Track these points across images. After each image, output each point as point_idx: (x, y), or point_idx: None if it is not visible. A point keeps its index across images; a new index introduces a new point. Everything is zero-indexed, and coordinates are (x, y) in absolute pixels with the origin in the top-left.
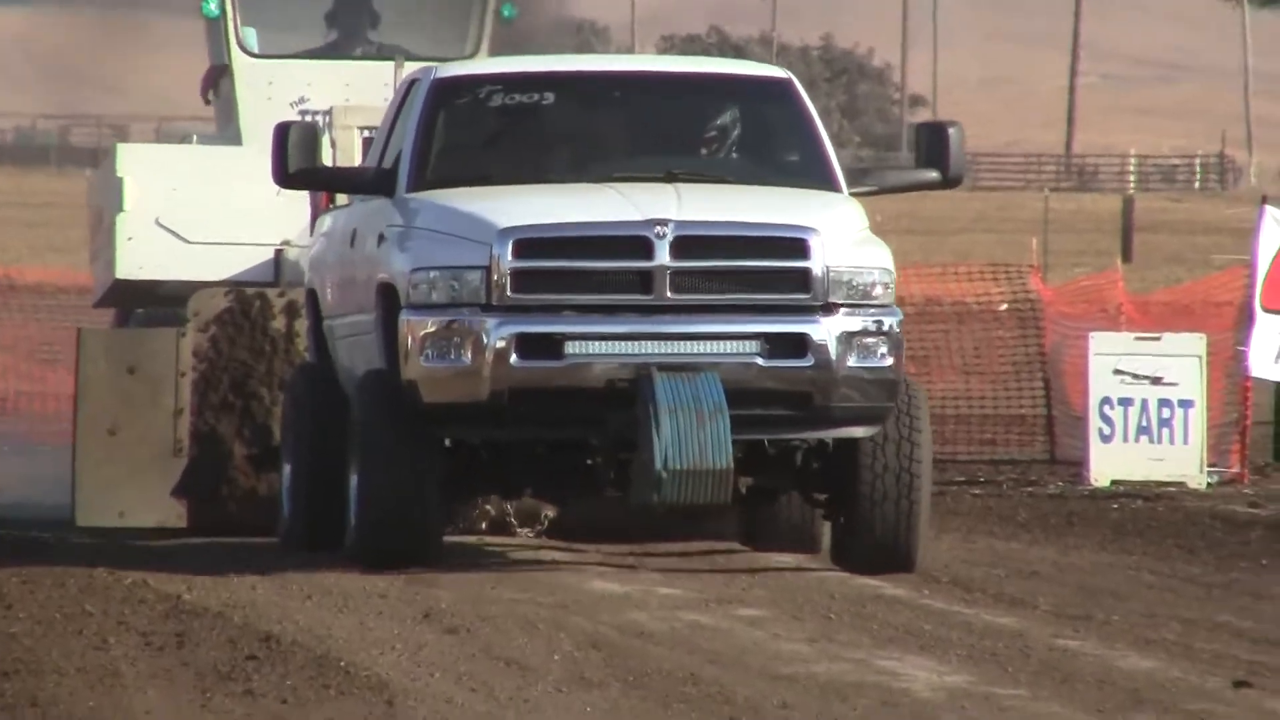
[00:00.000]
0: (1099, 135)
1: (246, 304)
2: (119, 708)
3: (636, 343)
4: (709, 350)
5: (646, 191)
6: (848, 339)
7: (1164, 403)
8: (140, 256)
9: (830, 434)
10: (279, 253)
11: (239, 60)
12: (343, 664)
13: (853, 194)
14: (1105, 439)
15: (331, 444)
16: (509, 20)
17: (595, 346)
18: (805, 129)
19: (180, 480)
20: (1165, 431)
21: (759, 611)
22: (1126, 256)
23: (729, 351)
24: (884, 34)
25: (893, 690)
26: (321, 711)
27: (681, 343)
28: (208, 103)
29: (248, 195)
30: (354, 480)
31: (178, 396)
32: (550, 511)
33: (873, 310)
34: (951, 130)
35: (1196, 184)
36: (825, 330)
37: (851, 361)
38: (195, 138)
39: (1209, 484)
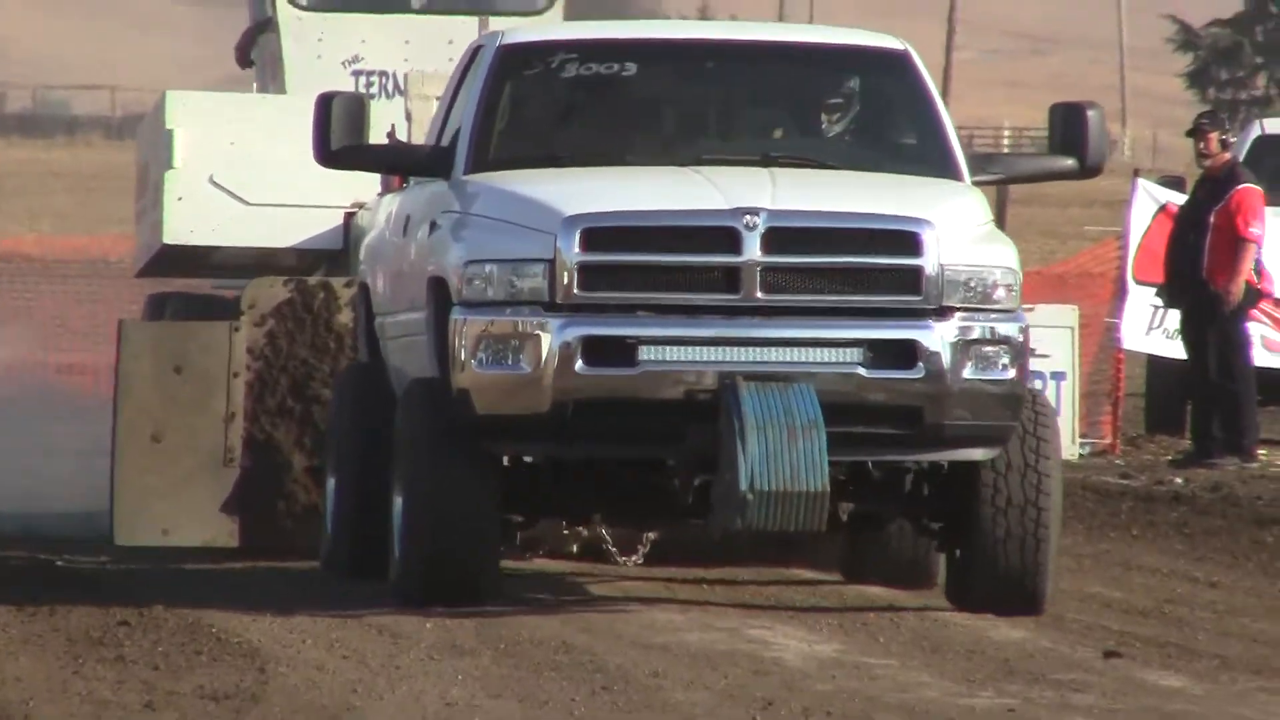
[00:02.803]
0: (975, 108)
1: (309, 295)
2: None
3: (720, 348)
4: (803, 358)
5: (736, 177)
6: (964, 347)
7: (1036, 374)
8: (191, 219)
9: (943, 456)
10: (349, 216)
11: (285, 13)
12: (214, 630)
13: (976, 183)
14: None
15: (382, 457)
16: None
17: (673, 352)
18: (923, 107)
19: (231, 494)
20: None
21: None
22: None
23: (826, 360)
24: (760, 6)
25: (764, 659)
26: (193, 678)
27: (772, 349)
28: (246, 66)
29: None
30: (397, 504)
31: (230, 399)
32: (652, 534)
33: (994, 315)
34: (1091, 112)
35: None
36: (938, 337)
37: (968, 373)
38: (256, 87)
39: (1080, 455)
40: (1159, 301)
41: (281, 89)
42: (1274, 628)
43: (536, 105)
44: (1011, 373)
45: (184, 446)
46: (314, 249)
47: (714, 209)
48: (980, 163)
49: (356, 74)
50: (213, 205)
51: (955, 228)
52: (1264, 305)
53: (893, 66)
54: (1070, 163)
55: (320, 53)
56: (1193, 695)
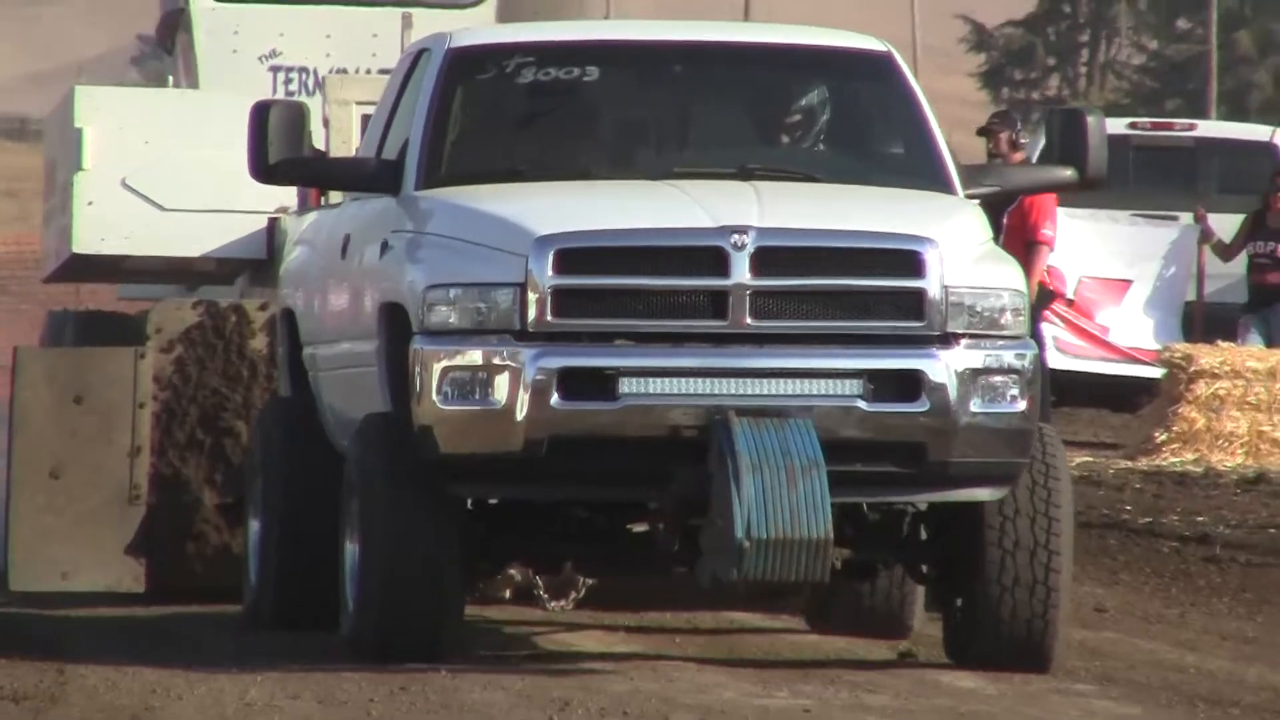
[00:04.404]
0: None
1: (220, 319)
2: None
3: (708, 380)
4: (799, 390)
5: (719, 192)
6: (971, 378)
7: None
8: (103, 226)
9: (949, 496)
10: (273, 222)
11: (197, 4)
12: (14, 631)
13: (969, 196)
14: None
15: (310, 499)
16: None
17: (657, 384)
18: (910, 115)
19: (136, 534)
20: None
21: None
22: None
23: (823, 392)
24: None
25: (561, 659)
26: None
27: (764, 380)
28: (168, 51)
29: (236, 153)
30: (350, 551)
31: (135, 432)
32: (588, 580)
33: (1001, 342)
34: (1090, 119)
35: None
36: (943, 367)
37: (975, 406)
38: (171, 80)
39: None
40: None
41: (195, 84)
42: (1068, 630)
43: (491, 114)
44: (1021, 405)
45: (85, 483)
46: (235, 257)
47: (699, 228)
48: (973, 174)
49: (274, 69)
50: (125, 211)
51: (958, 247)
52: (1056, 306)
53: (877, 70)
54: (1070, 173)
55: (236, 46)
56: (985, 695)
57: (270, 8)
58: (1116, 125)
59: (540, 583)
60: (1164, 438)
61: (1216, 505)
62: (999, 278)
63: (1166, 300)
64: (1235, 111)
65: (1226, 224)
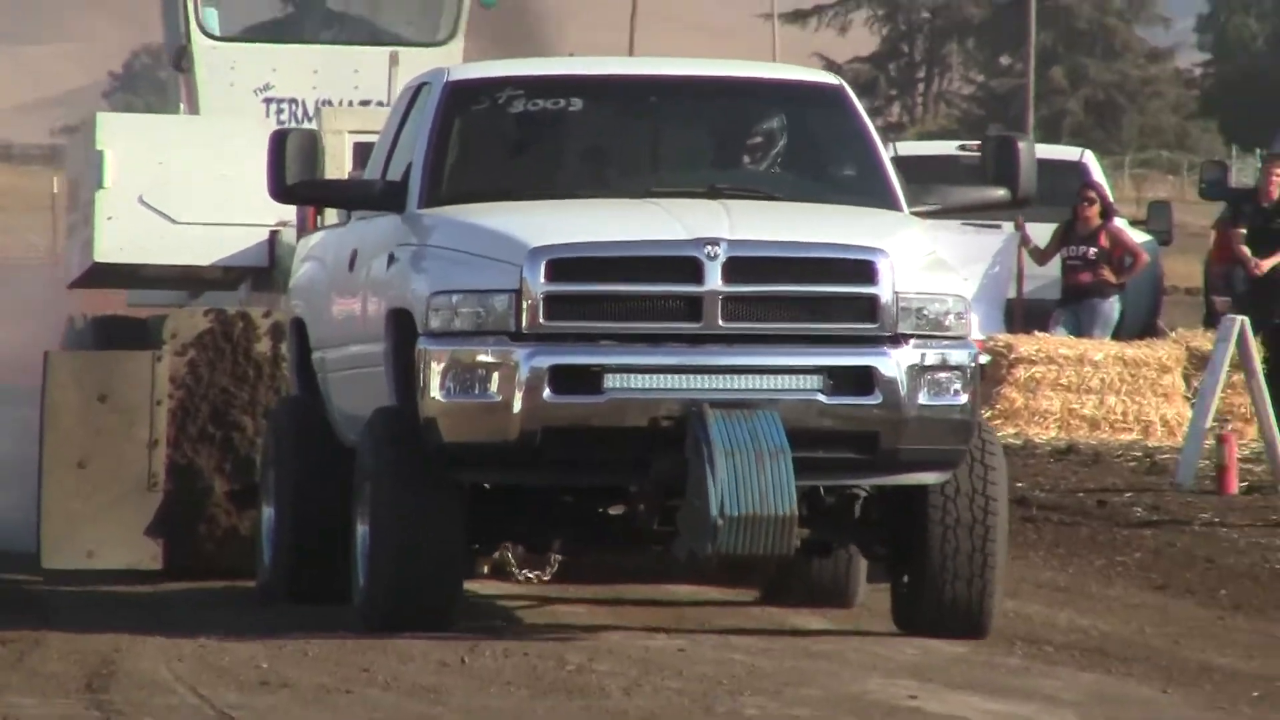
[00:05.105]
0: None
1: (228, 325)
2: None
3: (684, 376)
4: (765, 385)
5: (692, 208)
6: (918, 374)
7: None
8: (122, 237)
9: (898, 480)
10: (274, 234)
11: (199, 43)
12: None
13: (913, 213)
14: None
15: (320, 488)
16: (489, 6)
17: (638, 380)
18: (859, 141)
19: (155, 518)
20: None
21: None
22: None
23: (788, 387)
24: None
25: (472, 604)
26: None
27: (734, 376)
28: (185, 72)
29: (240, 171)
30: (361, 532)
31: (153, 426)
32: (559, 557)
33: (945, 342)
34: (1022, 144)
35: None
36: (894, 364)
37: (922, 399)
38: (183, 108)
39: None
40: None
41: (196, 111)
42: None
43: (485, 140)
44: (963, 398)
45: (109, 472)
46: (240, 265)
47: (675, 239)
48: (916, 194)
49: (268, 101)
50: (142, 224)
51: (907, 257)
52: None
53: (828, 100)
54: (1003, 193)
55: (233, 80)
56: (835, 636)
57: (263, 46)
58: (947, 147)
59: (514, 559)
60: (988, 414)
61: (1033, 472)
62: (943, 285)
63: (991, 297)
64: (1050, 135)
65: (1042, 232)
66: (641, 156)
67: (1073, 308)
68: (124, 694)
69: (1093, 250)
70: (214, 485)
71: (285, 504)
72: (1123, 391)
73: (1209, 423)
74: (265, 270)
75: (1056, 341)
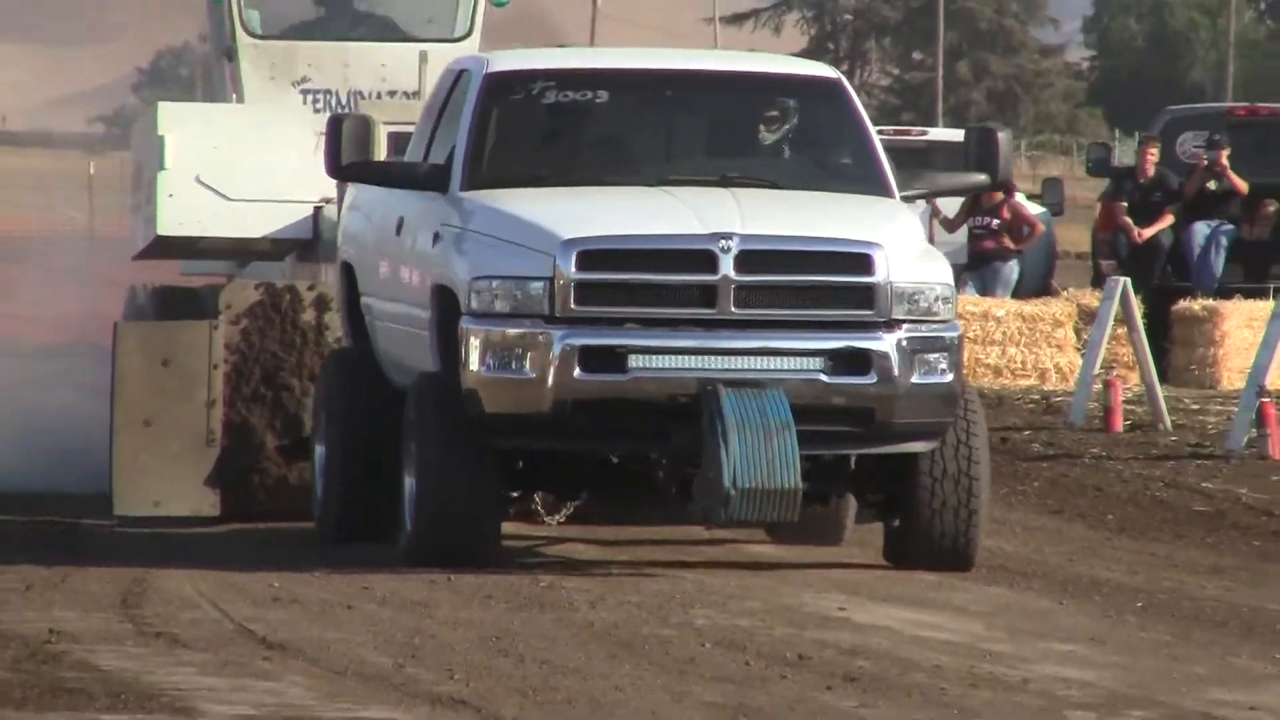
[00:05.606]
0: None
1: (276, 297)
2: None
3: (700, 357)
4: (773, 366)
5: (707, 200)
6: (910, 355)
7: None
8: (181, 213)
9: (892, 449)
10: (318, 210)
11: (244, 42)
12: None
13: (904, 197)
14: None
15: (370, 426)
16: (501, 5)
17: (658, 360)
18: (856, 131)
19: (213, 470)
20: None
21: None
22: None
23: (793, 368)
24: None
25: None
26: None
27: (745, 358)
28: (230, 61)
29: (287, 153)
30: (409, 483)
31: (210, 388)
32: (575, 501)
33: (934, 325)
34: (1001, 134)
35: None
36: (888, 346)
37: (914, 378)
38: (233, 97)
39: None
40: None
41: (241, 101)
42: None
43: (520, 129)
44: (950, 376)
45: (172, 430)
46: (286, 238)
47: (693, 234)
48: (906, 179)
49: (304, 92)
50: (199, 201)
51: (901, 248)
52: None
53: (828, 93)
54: (983, 178)
55: (273, 75)
56: (777, 556)
57: (300, 44)
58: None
59: (539, 501)
60: None
61: None
62: (933, 274)
63: None
64: (957, 121)
65: (951, 205)
66: (659, 145)
67: (979, 270)
68: (154, 609)
69: (995, 221)
70: (265, 440)
71: (335, 442)
72: (1022, 343)
73: (1097, 370)
74: (310, 242)
75: (964, 300)
